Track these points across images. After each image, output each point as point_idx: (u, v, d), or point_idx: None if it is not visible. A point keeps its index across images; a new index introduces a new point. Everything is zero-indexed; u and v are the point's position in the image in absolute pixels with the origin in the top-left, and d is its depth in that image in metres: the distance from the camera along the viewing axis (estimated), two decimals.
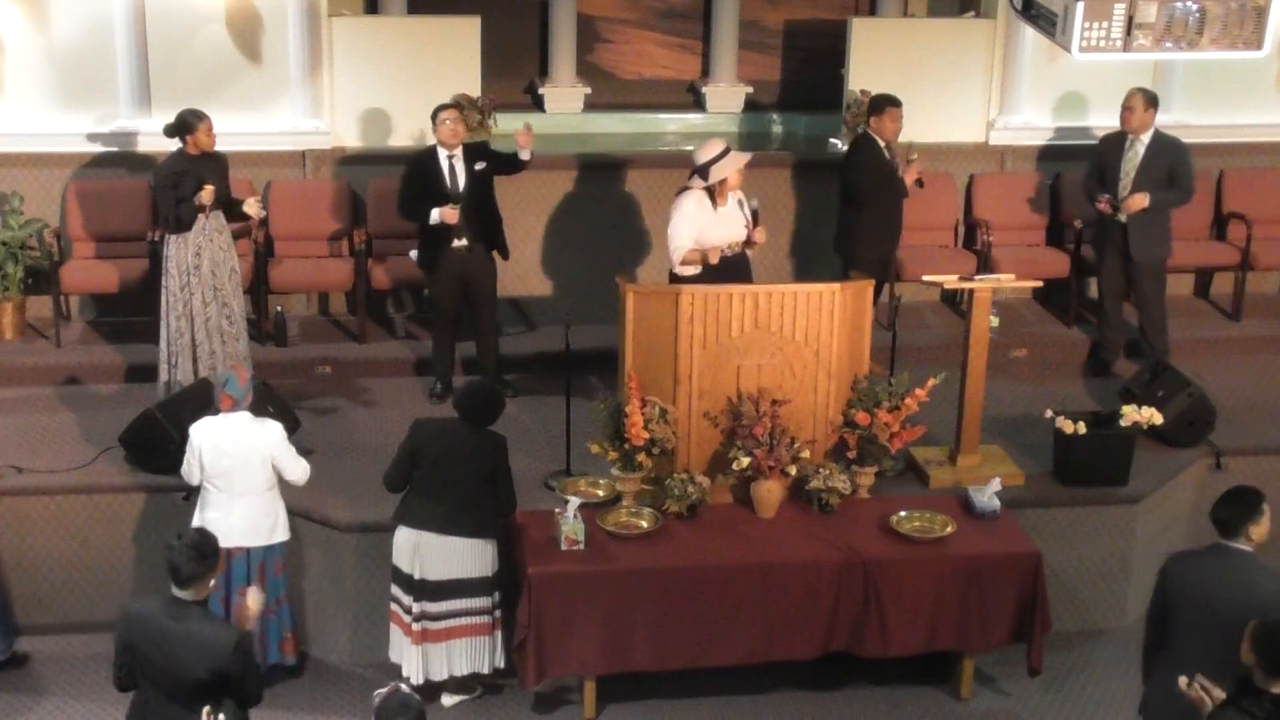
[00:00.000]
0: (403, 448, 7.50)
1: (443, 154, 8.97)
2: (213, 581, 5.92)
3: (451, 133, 8.91)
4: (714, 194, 8.51)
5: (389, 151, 10.21)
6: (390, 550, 7.58)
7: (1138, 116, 9.42)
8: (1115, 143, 9.58)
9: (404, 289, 10.16)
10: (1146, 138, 9.48)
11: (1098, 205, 9.52)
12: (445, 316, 9.24)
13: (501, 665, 7.70)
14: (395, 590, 7.60)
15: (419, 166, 9.03)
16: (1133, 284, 9.66)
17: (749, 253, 8.73)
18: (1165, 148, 9.50)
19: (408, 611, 7.53)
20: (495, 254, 9.20)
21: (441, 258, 9.03)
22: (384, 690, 5.44)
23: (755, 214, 8.65)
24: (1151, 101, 9.46)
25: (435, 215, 8.88)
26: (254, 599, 6.11)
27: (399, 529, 7.49)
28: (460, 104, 9.88)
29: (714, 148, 8.51)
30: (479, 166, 8.99)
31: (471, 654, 7.60)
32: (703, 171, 8.48)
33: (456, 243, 8.98)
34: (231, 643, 5.78)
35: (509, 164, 9.16)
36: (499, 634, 7.65)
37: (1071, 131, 10.64)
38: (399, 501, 7.53)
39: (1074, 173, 10.48)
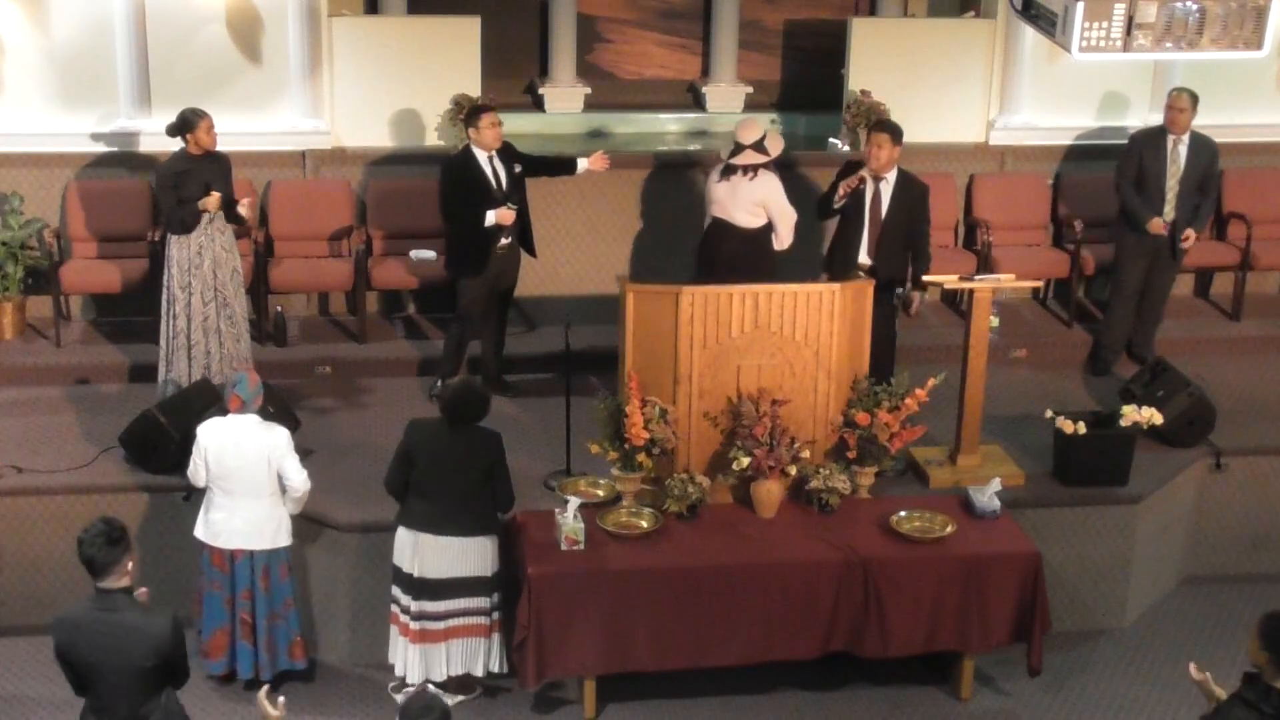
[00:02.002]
0: (398, 450, 7.50)
1: (482, 156, 8.93)
2: (131, 565, 5.81)
3: (495, 136, 8.89)
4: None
5: (389, 151, 10.21)
6: (390, 550, 7.58)
7: (1188, 117, 9.45)
8: (1153, 142, 9.53)
9: (404, 289, 10.16)
10: (1187, 138, 9.49)
11: (1155, 228, 9.46)
12: (471, 319, 9.21)
13: (496, 669, 7.69)
14: (395, 590, 7.60)
15: (460, 170, 8.95)
16: (1154, 281, 9.67)
17: None
18: (1205, 148, 9.54)
19: (405, 611, 7.53)
20: (524, 254, 9.25)
21: (486, 260, 8.99)
22: (410, 689, 5.45)
23: None
24: (1196, 100, 9.48)
25: (491, 217, 8.85)
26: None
27: (399, 528, 7.50)
28: (461, 105, 9.89)
29: (756, 128, 8.91)
30: (517, 170, 9.01)
31: (466, 654, 7.59)
32: (761, 147, 8.84)
33: (502, 242, 8.98)
34: (169, 626, 5.76)
35: (550, 166, 9.23)
36: (496, 636, 7.65)
37: (1071, 131, 10.64)
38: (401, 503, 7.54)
39: (1074, 173, 10.49)
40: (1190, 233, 9.51)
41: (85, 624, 5.76)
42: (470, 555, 7.44)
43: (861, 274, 8.72)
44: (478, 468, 7.40)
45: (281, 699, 5.65)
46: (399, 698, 7.68)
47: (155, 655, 5.73)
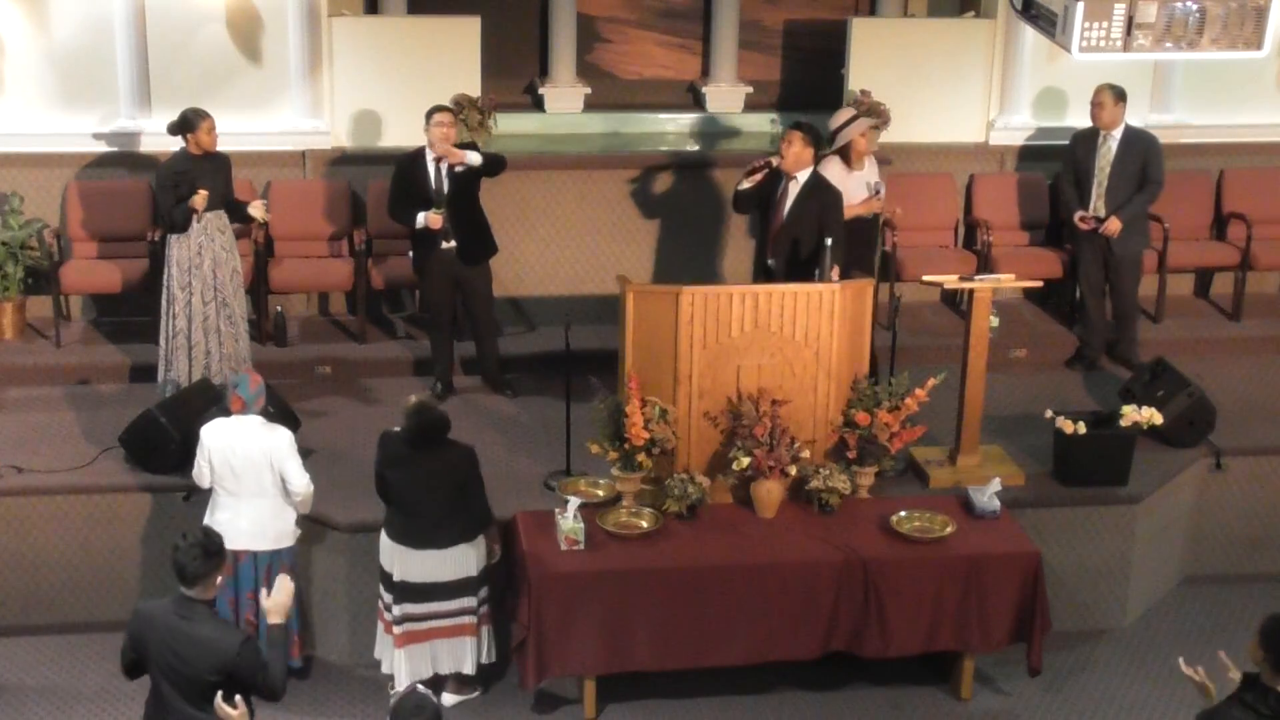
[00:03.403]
0: (376, 462, 7.47)
1: (429, 156, 8.96)
2: (220, 580, 5.92)
3: (443, 135, 8.89)
4: (847, 158, 8.99)
5: (389, 152, 10.17)
6: None
7: (1108, 112, 9.51)
8: (1087, 140, 9.66)
9: (404, 289, 10.16)
10: (1118, 133, 9.57)
11: (1078, 221, 9.61)
12: (440, 317, 9.25)
13: (490, 660, 7.70)
14: (380, 589, 7.60)
15: (406, 168, 9.02)
16: (1111, 278, 9.72)
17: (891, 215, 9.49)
18: (1138, 142, 9.60)
19: (388, 610, 7.53)
20: (486, 251, 9.21)
21: (431, 260, 9.03)
22: (400, 691, 5.45)
23: (876, 188, 9.08)
24: (1120, 96, 9.54)
25: (420, 219, 8.89)
26: (283, 593, 6.08)
27: (383, 533, 7.52)
28: (461, 105, 9.90)
29: (842, 115, 9.08)
30: (459, 168, 8.98)
31: (454, 654, 7.59)
32: (830, 138, 9.00)
33: (445, 244, 8.98)
34: (235, 646, 5.79)
35: (492, 164, 9.09)
36: (485, 629, 7.66)
37: (1071, 132, 10.61)
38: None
39: None
40: (1112, 221, 9.50)
41: (160, 625, 5.82)
42: (451, 562, 7.44)
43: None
44: (450, 485, 7.38)
45: (238, 697, 5.67)
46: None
47: (219, 670, 5.77)
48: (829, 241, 8.21)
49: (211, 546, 5.85)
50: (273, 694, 5.98)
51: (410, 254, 9.31)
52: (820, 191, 8.63)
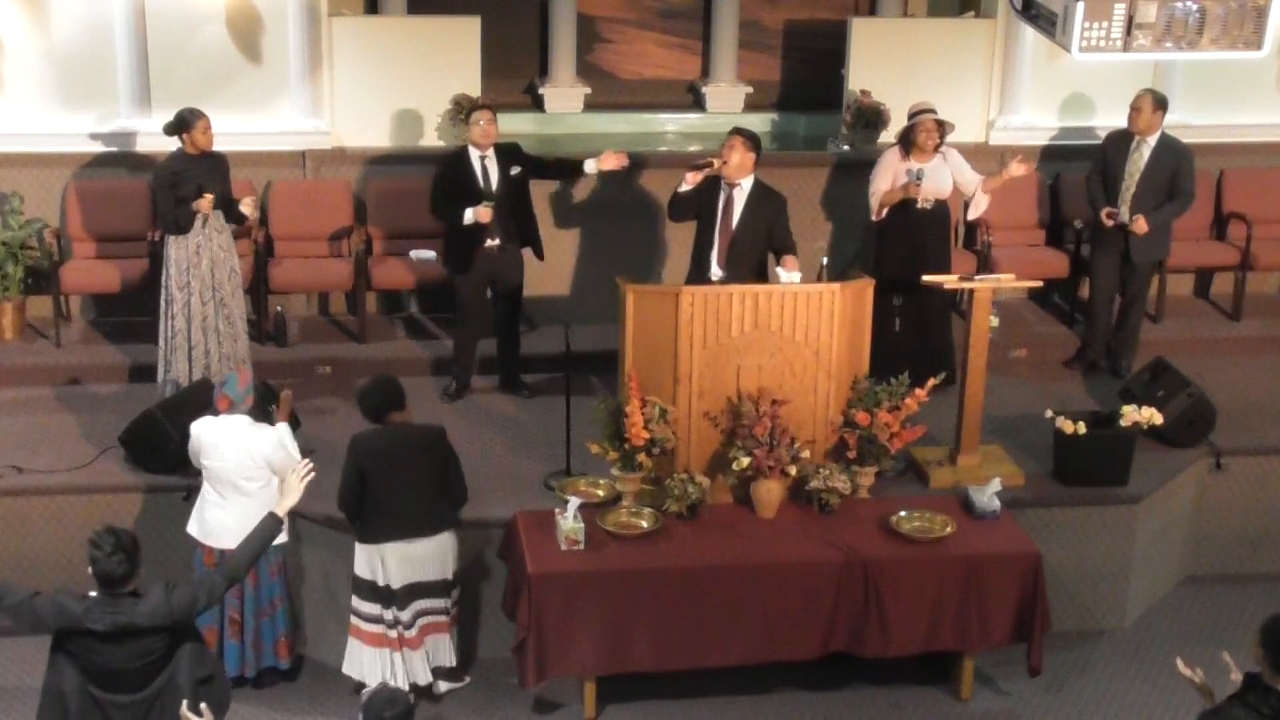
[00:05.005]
0: (348, 468, 7.42)
1: (474, 154, 8.99)
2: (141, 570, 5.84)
3: (484, 133, 8.93)
4: (908, 149, 9.04)
5: (389, 151, 10.22)
6: None
7: (1145, 118, 9.43)
8: (1120, 143, 9.57)
9: (404, 289, 10.16)
10: (1153, 140, 9.48)
11: (1103, 218, 9.51)
12: (471, 317, 9.25)
13: (446, 663, 7.76)
14: (356, 602, 7.59)
15: (451, 167, 9.05)
16: (1125, 283, 9.70)
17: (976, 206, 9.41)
18: (1170, 151, 9.50)
19: (376, 620, 7.54)
20: (530, 255, 9.28)
21: (473, 258, 9.04)
22: (372, 687, 5.44)
23: (916, 174, 9.04)
24: (1160, 103, 9.44)
25: (469, 215, 8.89)
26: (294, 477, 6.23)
27: (359, 544, 7.51)
28: (460, 105, 9.90)
29: (915, 106, 9.16)
30: (514, 172, 9.02)
31: (430, 653, 7.64)
32: (905, 127, 9.17)
33: (489, 243, 9.00)
34: (163, 597, 5.73)
35: (556, 169, 9.33)
36: (454, 628, 7.75)
37: (1071, 131, 10.64)
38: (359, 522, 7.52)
39: (1074, 173, 10.48)
40: (1139, 220, 9.43)
41: (90, 633, 5.72)
42: (433, 558, 7.48)
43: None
44: (434, 463, 7.44)
45: (204, 705, 5.63)
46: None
47: (165, 627, 5.74)
48: (824, 262, 8.22)
49: (129, 544, 5.74)
50: (232, 576, 6.02)
51: (414, 254, 9.33)
52: (769, 199, 8.59)
